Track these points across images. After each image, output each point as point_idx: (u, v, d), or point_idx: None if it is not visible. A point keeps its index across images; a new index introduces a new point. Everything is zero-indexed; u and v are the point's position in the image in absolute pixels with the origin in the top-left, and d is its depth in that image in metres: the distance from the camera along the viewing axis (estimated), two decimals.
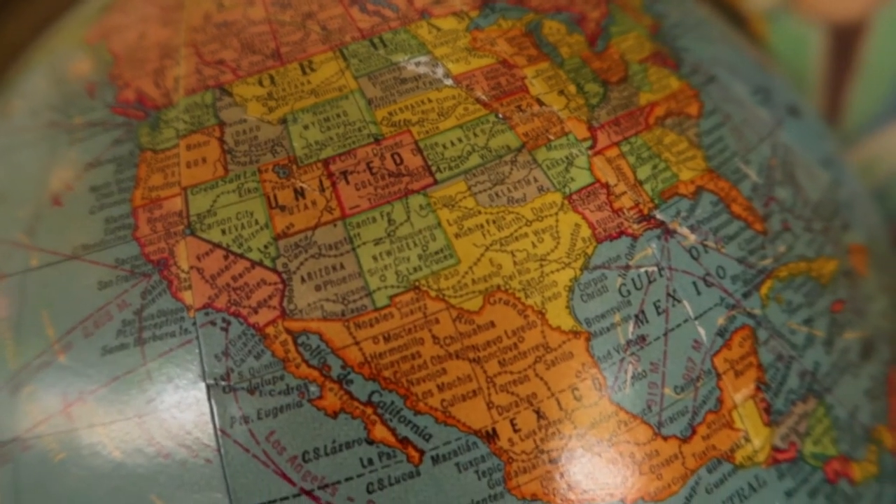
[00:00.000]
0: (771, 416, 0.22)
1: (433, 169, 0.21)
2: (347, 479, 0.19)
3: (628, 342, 0.20)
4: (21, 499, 0.21)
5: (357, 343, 0.19)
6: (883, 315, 0.26)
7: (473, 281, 0.20)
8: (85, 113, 0.24)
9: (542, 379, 0.20)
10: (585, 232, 0.21)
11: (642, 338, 0.21)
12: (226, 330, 0.20)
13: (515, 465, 0.19)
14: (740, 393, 0.21)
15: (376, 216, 0.20)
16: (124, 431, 0.20)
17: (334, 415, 0.19)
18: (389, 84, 0.22)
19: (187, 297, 0.20)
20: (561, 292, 0.20)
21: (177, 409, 0.20)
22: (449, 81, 0.22)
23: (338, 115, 0.22)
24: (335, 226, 0.20)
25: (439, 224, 0.20)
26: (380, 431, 0.19)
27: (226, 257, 0.20)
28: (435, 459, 0.19)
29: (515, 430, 0.19)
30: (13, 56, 0.35)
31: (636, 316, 0.21)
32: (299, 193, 0.21)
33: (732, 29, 0.36)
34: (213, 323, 0.20)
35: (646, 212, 0.22)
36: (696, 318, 0.21)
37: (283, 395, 0.19)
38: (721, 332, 0.21)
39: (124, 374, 0.20)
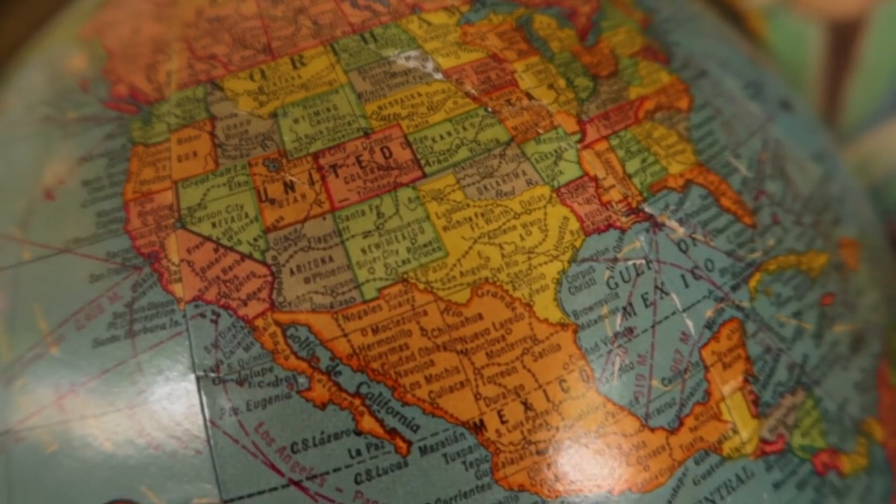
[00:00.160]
0: (759, 408, 0.22)
1: (422, 162, 0.21)
2: (336, 470, 0.19)
3: (616, 334, 0.21)
4: (13, 490, 0.21)
5: (345, 335, 0.20)
6: (874, 309, 0.26)
7: (462, 273, 0.20)
8: (78, 108, 0.24)
9: (529, 371, 0.20)
10: (574, 225, 0.21)
11: (630, 330, 0.21)
12: (215, 322, 0.20)
13: (503, 456, 0.19)
14: (728, 385, 0.21)
15: (365, 209, 0.21)
16: (115, 423, 0.20)
17: (322, 406, 0.19)
18: (379, 78, 0.22)
19: (178, 289, 0.20)
20: (549, 285, 0.20)
21: (167, 400, 0.20)
22: (439, 76, 0.22)
23: (328, 109, 0.22)
24: (324, 219, 0.21)
25: (428, 217, 0.21)
26: (368, 423, 0.19)
27: (216, 250, 0.20)
28: (422, 450, 0.19)
29: (503, 422, 0.20)
30: (11, 53, 0.35)
31: (624, 308, 0.21)
32: (289, 187, 0.21)
33: (729, 26, 0.36)
34: (202, 315, 0.20)
35: (634, 205, 0.22)
36: (684, 311, 0.21)
37: (271, 387, 0.19)
38: (709, 325, 0.22)
39: (115, 366, 0.20)
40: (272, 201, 0.21)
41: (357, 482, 0.19)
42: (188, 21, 0.24)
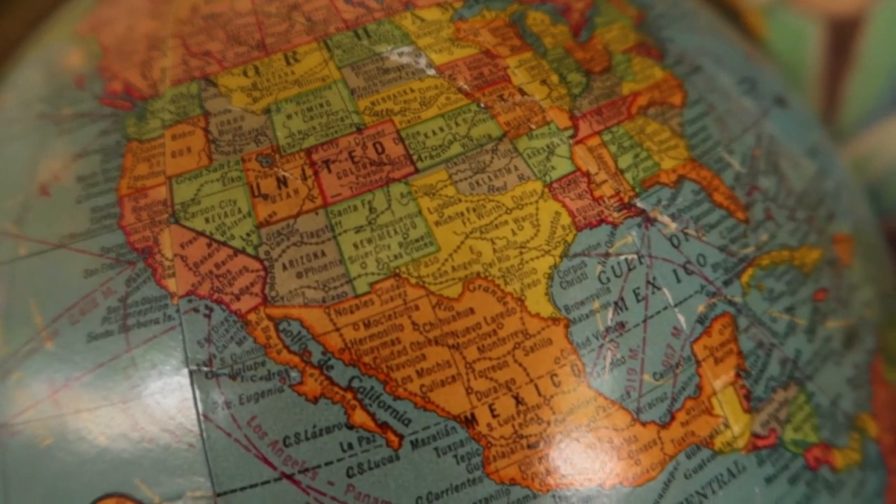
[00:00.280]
0: (751, 402, 0.22)
1: (414, 158, 0.21)
2: (328, 464, 0.19)
3: (607, 329, 0.21)
4: (9, 483, 0.21)
5: (337, 329, 0.20)
6: (868, 304, 0.26)
7: (453, 268, 0.20)
8: (74, 104, 0.24)
9: (520, 365, 0.20)
10: (565, 220, 0.21)
11: (621, 324, 0.21)
12: (208, 317, 0.20)
13: (494, 449, 0.20)
14: (720, 380, 0.21)
15: (357, 204, 0.21)
16: (109, 417, 0.20)
17: (315, 400, 0.19)
18: (372, 74, 0.22)
19: (171, 284, 0.20)
20: (540, 279, 0.20)
21: (160, 394, 0.20)
22: (432, 71, 0.23)
23: (321, 105, 0.22)
24: (317, 214, 0.21)
25: (420, 212, 0.21)
26: (359, 416, 0.19)
27: (209, 245, 0.21)
28: (414, 444, 0.19)
29: (494, 416, 0.20)
30: (9, 52, 0.36)
31: (615, 303, 0.21)
32: (282, 182, 0.21)
33: (727, 23, 0.36)
34: (196, 310, 0.20)
35: (626, 200, 0.22)
36: (675, 306, 0.21)
37: (264, 381, 0.20)
38: (701, 320, 0.22)
39: (109, 360, 0.20)
40: (265, 196, 0.21)
41: (349, 475, 0.19)
42: (183, 18, 0.24)
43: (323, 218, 0.21)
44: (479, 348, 0.20)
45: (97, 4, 0.28)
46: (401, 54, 0.23)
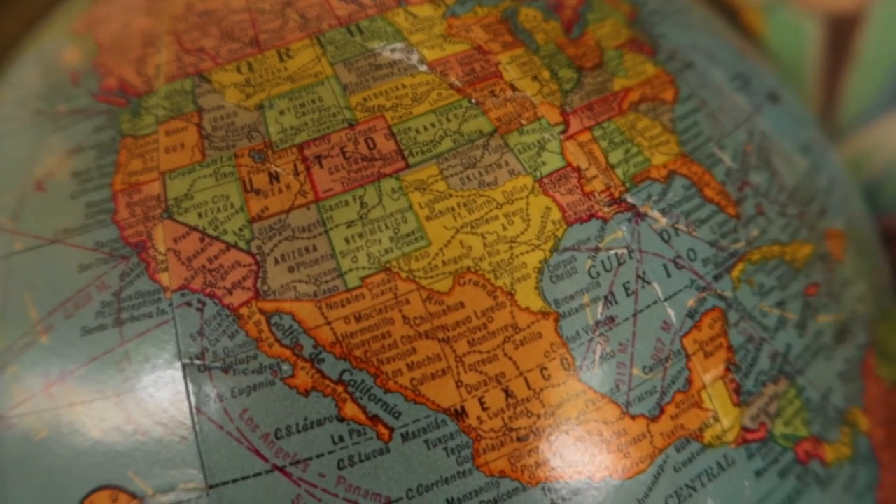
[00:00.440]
0: (741, 396, 0.22)
1: (406, 153, 0.21)
2: (319, 456, 0.19)
3: (597, 323, 0.21)
4: (4, 475, 0.21)
5: (329, 323, 0.20)
6: (860, 299, 0.26)
7: (444, 262, 0.20)
8: (69, 101, 0.24)
9: (510, 358, 0.20)
10: (556, 215, 0.21)
11: (611, 319, 0.21)
12: (201, 310, 0.20)
13: (484, 442, 0.20)
14: (710, 373, 0.22)
15: (349, 199, 0.21)
16: (103, 410, 0.20)
17: (306, 393, 0.20)
18: (365, 70, 0.23)
19: (164, 278, 0.21)
20: (530, 274, 0.21)
21: (153, 387, 0.20)
22: (423, 67, 0.23)
23: (313, 101, 0.22)
24: (308, 209, 0.21)
25: (411, 207, 0.21)
26: (350, 409, 0.20)
27: (202, 240, 0.21)
28: (404, 437, 0.20)
29: (484, 409, 0.20)
30: (8, 50, 0.36)
31: (605, 297, 0.21)
32: (274, 177, 0.21)
33: (725, 21, 0.36)
34: (188, 304, 0.20)
35: (617, 195, 0.22)
36: (665, 300, 0.22)
37: (256, 374, 0.20)
38: (691, 314, 0.22)
39: (103, 353, 0.21)
40: (257, 191, 0.21)
41: (340, 468, 0.19)
42: (177, 15, 0.24)
43: (314, 213, 0.21)
44: (469, 342, 0.20)
45: (93, 2, 0.28)
46: (393, 50, 0.23)
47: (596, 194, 0.22)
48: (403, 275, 0.20)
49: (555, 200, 0.21)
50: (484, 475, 0.20)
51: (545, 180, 0.22)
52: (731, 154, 0.24)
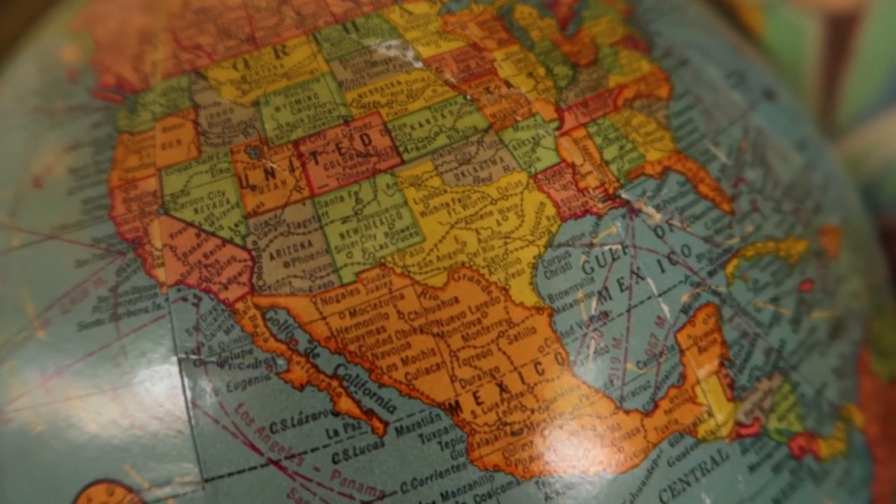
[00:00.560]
0: (734, 391, 0.22)
1: (401, 149, 0.21)
2: (314, 450, 0.20)
3: (591, 318, 0.21)
4: (2, 470, 0.21)
5: (324, 318, 0.20)
6: (855, 296, 0.26)
7: (438, 258, 0.21)
8: (66, 98, 0.24)
9: (504, 353, 0.20)
10: (550, 210, 0.21)
11: (605, 314, 0.21)
12: (197, 305, 0.20)
13: (478, 436, 0.20)
14: (703, 369, 0.22)
15: (344, 195, 0.21)
16: (99, 404, 0.21)
17: (301, 387, 0.20)
18: (360, 67, 0.23)
19: (160, 273, 0.21)
20: (525, 269, 0.21)
21: (149, 382, 0.20)
22: (419, 64, 0.23)
23: (309, 98, 0.22)
24: (304, 205, 0.21)
25: (405, 203, 0.21)
26: (345, 403, 0.20)
27: (198, 235, 0.21)
28: (399, 431, 0.20)
29: (478, 403, 0.20)
30: (7, 48, 0.36)
31: (599, 292, 0.21)
32: (270, 173, 0.21)
33: (724, 19, 0.36)
34: (184, 299, 0.20)
35: (611, 191, 0.22)
36: (659, 295, 0.22)
37: (251, 369, 0.20)
38: (685, 309, 0.22)
39: (100, 348, 0.21)
40: (253, 188, 0.21)
41: (334, 461, 0.20)
42: (174, 12, 0.25)
43: (310, 208, 0.21)
44: (463, 337, 0.20)
45: (92, 0, 0.28)
46: (388, 47, 0.23)
47: (590, 190, 0.22)
48: (398, 270, 0.20)
49: (549, 196, 0.22)
50: (478, 469, 0.20)
51: (540, 176, 0.22)
52: (725, 150, 0.24)
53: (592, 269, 0.21)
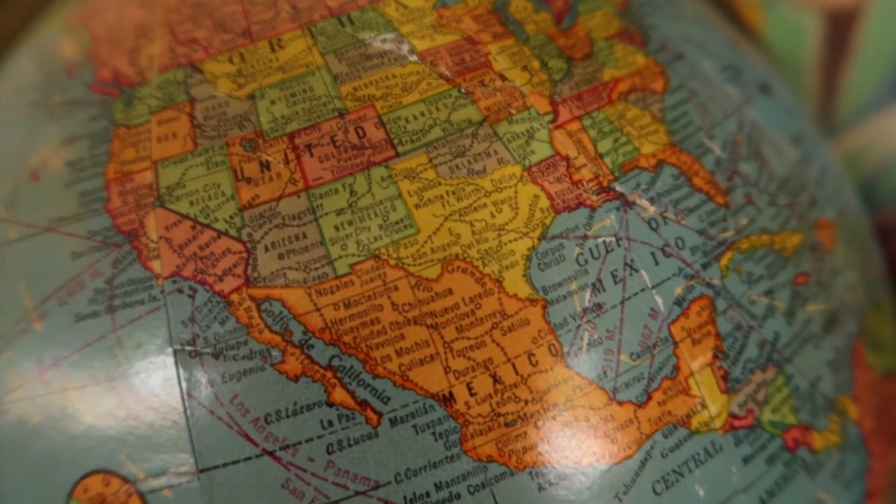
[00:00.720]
0: (728, 383, 0.22)
1: (395, 142, 0.22)
2: (308, 440, 0.20)
3: (585, 310, 0.21)
4: None
5: (318, 309, 0.20)
6: (850, 289, 0.26)
7: (432, 250, 0.21)
8: (64, 92, 0.24)
9: (498, 344, 0.20)
10: (544, 203, 0.21)
11: (599, 306, 0.21)
12: (192, 297, 0.20)
13: (472, 427, 0.20)
14: (697, 361, 0.22)
15: (339, 188, 0.21)
16: (96, 395, 0.21)
17: (295, 378, 0.20)
18: (355, 60, 0.23)
19: (156, 265, 0.21)
20: (518, 261, 0.21)
21: (145, 373, 0.20)
22: (414, 58, 0.23)
23: (304, 91, 0.22)
24: (299, 197, 0.21)
25: (400, 195, 0.21)
26: (339, 394, 0.20)
27: (193, 227, 0.21)
28: (393, 421, 0.20)
29: (472, 394, 0.20)
30: (8, 43, 0.36)
31: (593, 284, 0.21)
32: (265, 166, 0.21)
33: (722, 15, 0.36)
34: (180, 290, 0.21)
35: (605, 184, 0.22)
36: (653, 288, 0.22)
37: (246, 360, 0.20)
38: (679, 302, 0.22)
39: (96, 340, 0.21)
40: (248, 180, 0.21)
41: (329, 452, 0.20)
42: (171, 6, 0.25)
43: (305, 201, 0.21)
44: (457, 328, 0.20)
45: None
46: (384, 41, 0.23)
47: (584, 183, 0.22)
48: (392, 262, 0.20)
49: (543, 189, 0.22)
50: (471, 460, 0.20)
51: (534, 169, 0.22)
52: (720, 144, 0.24)
53: (586, 262, 0.21)
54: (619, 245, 0.22)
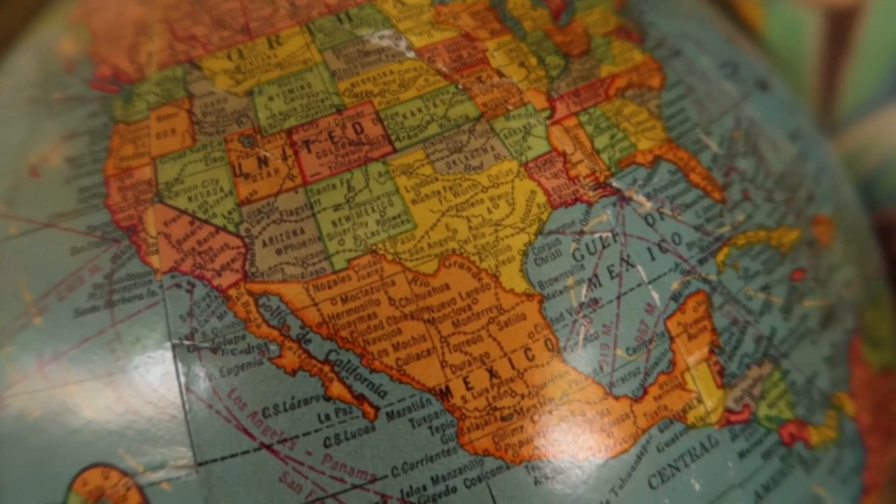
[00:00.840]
0: (724, 378, 0.22)
1: (392, 138, 0.22)
2: (305, 434, 0.20)
3: (581, 305, 0.21)
4: None
5: (316, 304, 0.20)
6: (847, 285, 0.26)
7: (429, 245, 0.21)
8: (63, 89, 0.24)
9: (494, 339, 0.20)
10: (541, 198, 0.22)
11: (595, 301, 0.21)
12: (190, 292, 0.21)
13: (468, 421, 0.20)
14: (693, 356, 0.22)
15: (336, 183, 0.21)
16: (95, 390, 0.21)
17: (293, 373, 0.20)
18: (353, 57, 0.23)
19: (155, 261, 0.21)
20: (515, 256, 0.21)
21: (144, 368, 0.21)
22: (411, 54, 0.23)
23: (302, 87, 0.22)
24: (296, 192, 0.21)
25: (397, 190, 0.21)
26: (336, 388, 0.20)
27: (191, 223, 0.21)
28: (390, 415, 0.20)
29: (468, 388, 0.20)
30: (9, 41, 0.36)
31: (589, 279, 0.21)
32: (263, 162, 0.22)
33: (722, 13, 0.36)
34: (178, 285, 0.21)
35: (602, 179, 0.22)
36: (649, 283, 0.22)
37: (244, 354, 0.20)
38: (675, 297, 0.22)
39: (95, 335, 0.21)
40: (246, 176, 0.21)
41: (326, 445, 0.20)
42: (170, 3, 0.25)
43: (302, 196, 0.21)
44: (453, 323, 0.20)
45: None
46: (381, 37, 0.23)
47: (581, 178, 0.22)
48: (389, 257, 0.21)
49: (540, 184, 0.22)
50: (468, 453, 0.20)
51: (530, 164, 0.22)
52: (717, 140, 0.25)
53: (583, 257, 0.21)
54: (615, 240, 0.22)
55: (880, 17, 0.43)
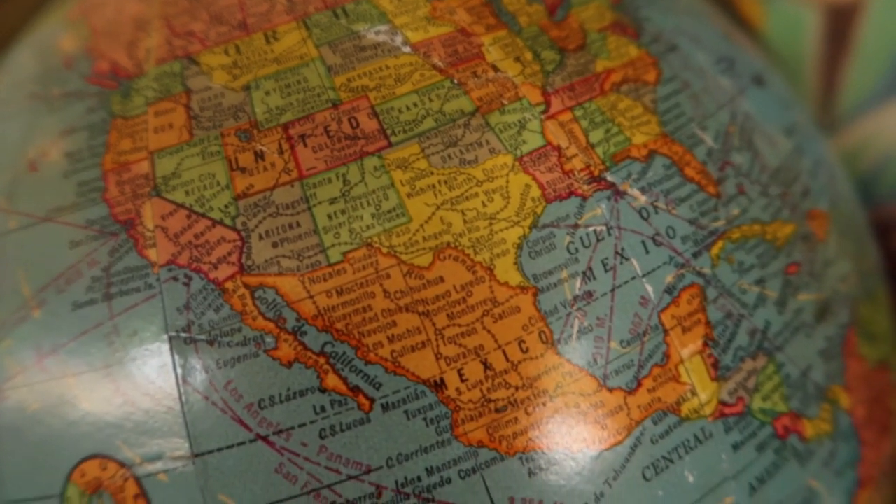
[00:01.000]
0: (718, 371, 0.22)
1: (388, 132, 0.22)
2: (301, 426, 0.20)
3: (575, 297, 0.21)
4: None
5: (311, 297, 0.20)
6: (842, 279, 0.26)
7: (424, 238, 0.21)
8: (62, 84, 0.25)
9: (489, 331, 0.20)
10: (535, 192, 0.22)
11: (589, 293, 0.21)
12: (187, 285, 0.21)
13: (462, 413, 0.20)
14: (687, 348, 0.22)
15: (332, 177, 0.21)
16: (93, 382, 0.21)
17: (289, 364, 0.20)
18: (349, 52, 0.23)
19: (152, 254, 0.21)
20: (509, 249, 0.21)
21: (141, 360, 0.21)
22: (407, 49, 0.23)
23: (298, 82, 0.23)
24: (292, 186, 0.21)
25: (392, 184, 0.21)
26: (332, 380, 0.20)
27: (189, 217, 0.21)
28: (385, 407, 0.20)
29: (463, 380, 0.20)
30: (9, 38, 0.36)
31: (584, 273, 0.21)
32: (259, 156, 0.22)
33: (719, 10, 0.36)
34: (175, 278, 0.21)
35: (596, 173, 0.22)
36: (643, 276, 0.22)
37: (240, 346, 0.20)
38: (669, 290, 0.22)
39: (93, 327, 0.21)
40: (243, 170, 0.22)
41: (321, 437, 0.20)
42: (168, 0, 0.25)
43: (298, 190, 0.21)
44: (448, 315, 0.20)
45: None
46: (377, 32, 0.23)
47: (575, 172, 0.22)
48: (384, 250, 0.21)
49: (534, 178, 0.22)
50: (462, 445, 0.20)
51: (525, 158, 0.22)
52: (712, 135, 0.25)
53: (577, 250, 0.21)
54: (609, 234, 0.22)
55: (880, 15, 0.43)
